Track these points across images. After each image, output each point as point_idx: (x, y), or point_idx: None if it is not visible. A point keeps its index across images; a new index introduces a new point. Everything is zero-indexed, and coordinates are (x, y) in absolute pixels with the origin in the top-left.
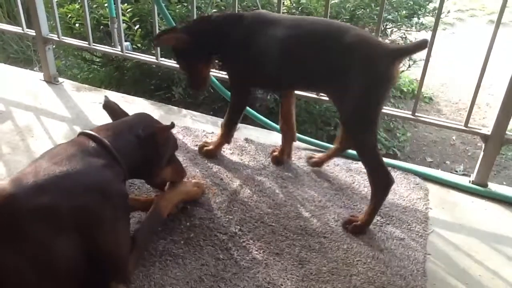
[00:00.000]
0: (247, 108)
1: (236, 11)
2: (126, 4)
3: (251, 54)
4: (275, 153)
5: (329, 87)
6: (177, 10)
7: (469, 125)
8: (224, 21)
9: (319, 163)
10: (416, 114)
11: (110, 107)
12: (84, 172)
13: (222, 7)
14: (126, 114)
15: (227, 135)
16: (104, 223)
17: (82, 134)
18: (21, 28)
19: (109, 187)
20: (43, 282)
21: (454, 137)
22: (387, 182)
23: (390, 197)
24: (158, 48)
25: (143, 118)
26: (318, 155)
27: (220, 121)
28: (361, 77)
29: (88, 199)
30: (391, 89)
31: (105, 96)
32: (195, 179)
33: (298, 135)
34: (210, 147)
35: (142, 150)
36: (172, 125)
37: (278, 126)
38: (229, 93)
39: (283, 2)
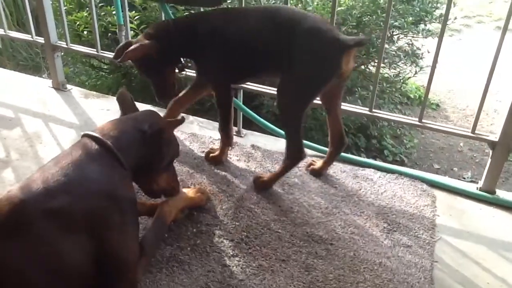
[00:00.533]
0: (254, 115)
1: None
2: (133, 12)
3: (221, 47)
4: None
5: (284, 69)
6: None
7: (476, 131)
8: (189, 21)
9: (318, 172)
10: (423, 120)
11: (122, 99)
12: (90, 177)
13: None
14: (136, 109)
15: (226, 138)
16: (112, 228)
17: (85, 136)
18: (30, 36)
19: (116, 191)
20: (52, 286)
21: (461, 144)
22: (299, 155)
23: (397, 203)
24: None
25: (150, 115)
26: (318, 163)
27: None
28: (310, 60)
29: (96, 203)
30: (336, 75)
31: (122, 89)
32: (199, 185)
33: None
34: (216, 153)
35: (145, 148)
36: (182, 120)
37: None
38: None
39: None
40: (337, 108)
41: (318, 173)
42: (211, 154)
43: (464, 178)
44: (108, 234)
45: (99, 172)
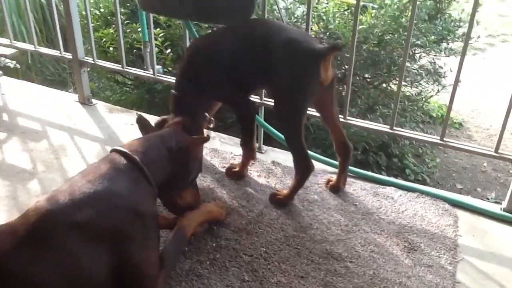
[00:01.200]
0: (275, 131)
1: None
2: (158, 29)
3: (212, 66)
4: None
5: (269, 82)
6: None
7: (499, 150)
8: (190, 61)
9: (336, 187)
10: (445, 139)
11: (140, 122)
12: (116, 191)
13: None
14: (155, 129)
15: (250, 151)
16: (135, 242)
17: (114, 151)
18: (58, 52)
19: (140, 207)
20: None
21: (485, 164)
22: (307, 168)
23: (418, 223)
24: None
25: (175, 132)
26: (335, 178)
27: None
28: (288, 72)
29: (120, 218)
30: (317, 84)
31: (137, 113)
32: (219, 200)
33: (322, 157)
34: (237, 168)
35: (172, 164)
36: (208, 138)
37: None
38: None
39: (311, 27)
40: (334, 117)
41: (336, 188)
42: (232, 170)
43: (488, 199)
44: (130, 248)
45: (126, 187)
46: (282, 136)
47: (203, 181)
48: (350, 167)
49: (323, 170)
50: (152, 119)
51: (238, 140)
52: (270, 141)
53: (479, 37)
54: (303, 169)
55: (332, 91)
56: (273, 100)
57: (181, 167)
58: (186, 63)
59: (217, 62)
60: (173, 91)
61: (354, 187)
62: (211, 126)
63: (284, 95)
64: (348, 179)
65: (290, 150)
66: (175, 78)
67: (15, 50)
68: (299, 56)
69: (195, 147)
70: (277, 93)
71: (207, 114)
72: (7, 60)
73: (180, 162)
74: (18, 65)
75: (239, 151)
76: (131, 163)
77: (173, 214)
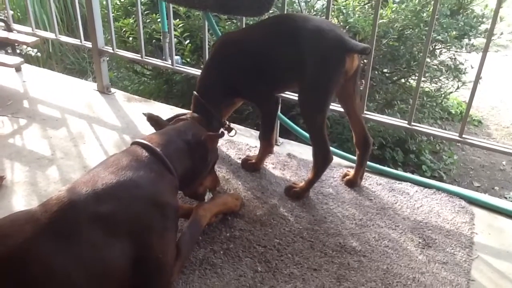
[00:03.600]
0: (291, 124)
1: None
2: (178, 20)
3: (242, 63)
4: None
5: (297, 75)
6: (226, 27)
7: None
8: (217, 58)
9: (353, 181)
10: (463, 136)
11: (151, 119)
12: (138, 183)
13: None
14: (167, 124)
15: (269, 146)
16: (154, 233)
17: (135, 143)
18: (79, 40)
19: (161, 198)
20: (92, 285)
21: (504, 162)
22: (326, 158)
23: (433, 219)
24: None
25: (192, 126)
26: (352, 172)
27: None
28: (315, 61)
29: (141, 209)
30: (342, 73)
31: (144, 113)
32: (234, 191)
33: (338, 151)
34: (253, 160)
35: (191, 156)
36: (222, 134)
37: None
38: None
39: (331, 21)
40: (356, 109)
41: (353, 183)
42: (248, 161)
43: (506, 198)
44: (149, 239)
45: (147, 178)
46: (298, 129)
47: (219, 172)
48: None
49: (338, 164)
50: (170, 110)
51: (254, 132)
52: (286, 133)
53: (502, 33)
54: (322, 160)
55: (356, 82)
56: (300, 95)
57: (199, 160)
58: (213, 61)
59: (246, 58)
60: (195, 92)
61: (369, 181)
62: (232, 134)
63: (310, 84)
64: (364, 174)
65: (311, 140)
66: (198, 77)
67: (36, 39)
68: (326, 44)
69: (211, 141)
70: (303, 84)
71: (226, 121)
72: (29, 48)
73: (198, 155)
74: (39, 54)
75: (254, 142)
76: (153, 155)
77: (194, 200)
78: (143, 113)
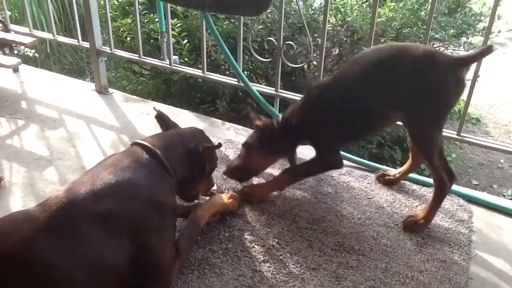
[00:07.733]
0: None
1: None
2: (175, 20)
3: (332, 112)
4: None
5: (403, 106)
6: (224, 26)
7: None
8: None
9: (394, 182)
10: (461, 134)
11: (160, 118)
12: (137, 183)
13: (268, 24)
14: (175, 125)
15: (285, 183)
16: (153, 232)
17: (135, 144)
18: (77, 41)
19: (160, 198)
20: (91, 283)
21: (502, 160)
22: (445, 183)
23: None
24: (205, 62)
25: (195, 133)
26: (392, 172)
27: None
28: (429, 88)
29: (140, 209)
30: (459, 94)
31: (155, 108)
32: (233, 191)
33: (348, 155)
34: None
35: (189, 163)
36: (219, 145)
37: None
38: (271, 106)
39: (329, 20)
40: None
41: (392, 183)
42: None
43: (504, 196)
44: (148, 238)
45: (146, 178)
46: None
47: (217, 171)
48: (363, 161)
49: None
50: (168, 110)
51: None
52: None
53: (499, 31)
54: (444, 184)
55: None
56: (413, 123)
57: (197, 168)
58: (305, 109)
59: (336, 105)
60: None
61: (368, 180)
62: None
63: (427, 113)
64: (362, 172)
65: (429, 166)
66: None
67: (34, 39)
68: (441, 68)
69: (208, 152)
70: (416, 114)
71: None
72: (26, 49)
73: (196, 163)
74: (37, 54)
75: None
76: (153, 157)
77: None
78: (154, 108)
